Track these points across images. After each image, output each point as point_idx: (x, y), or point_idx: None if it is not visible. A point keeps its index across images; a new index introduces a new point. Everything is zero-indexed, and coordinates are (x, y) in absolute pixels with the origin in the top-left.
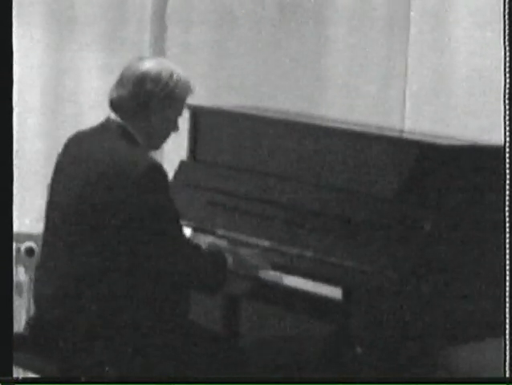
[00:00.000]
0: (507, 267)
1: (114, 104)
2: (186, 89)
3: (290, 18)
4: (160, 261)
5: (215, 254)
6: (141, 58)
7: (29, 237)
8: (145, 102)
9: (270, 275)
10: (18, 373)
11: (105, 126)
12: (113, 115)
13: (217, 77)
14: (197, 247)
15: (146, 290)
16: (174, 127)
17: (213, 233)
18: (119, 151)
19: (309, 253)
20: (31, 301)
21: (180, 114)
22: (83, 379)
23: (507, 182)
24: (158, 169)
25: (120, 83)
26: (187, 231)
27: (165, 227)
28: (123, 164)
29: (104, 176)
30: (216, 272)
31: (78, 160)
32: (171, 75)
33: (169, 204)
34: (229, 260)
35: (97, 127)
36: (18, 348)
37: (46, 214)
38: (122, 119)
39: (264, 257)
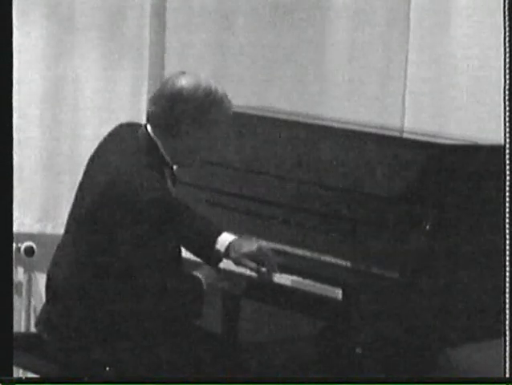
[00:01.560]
0: (507, 267)
1: (149, 118)
2: (223, 111)
3: (291, 18)
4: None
5: (192, 283)
6: (182, 74)
7: (29, 236)
8: (176, 121)
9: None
10: (18, 373)
11: (139, 134)
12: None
13: (217, 77)
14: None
15: (148, 292)
16: (208, 147)
17: None
18: (138, 169)
19: (309, 253)
20: (31, 300)
21: (216, 135)
22: (85, 379)
23: (507, 182)
24: (162, 203)
25: (156, 97)
26: (229, 237)
27: (156, 259)
28: (134, 185)
29: (115, 189)
30: (193, 301)
31: (103, 160)
32: (206, 95)
33: (167, 234)
34: (204, 286)
35: (134, 129)
36: (18, 348)
37: (72, 203)
38: (154, 133)
39: (238, 280)
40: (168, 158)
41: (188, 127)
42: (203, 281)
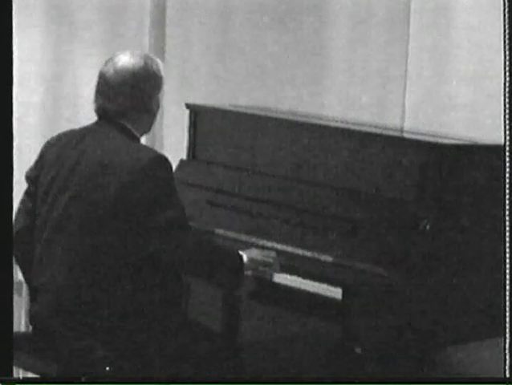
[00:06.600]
0: (507, 267)
1: (109, 113)
2: (160, 66)
3: (290, 19)
4: (167, 253)
5: (230, 250)
6: (113, 61)
7: None
8: (148, 100)
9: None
10: (18, 373)
11: (101, 124)
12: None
13: (217, 77)
14: (208, 240)
15: (149, 289)
16: (158, 109)
17: (213, 233)
18: (122, 146)
19: (309, 253)
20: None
21: (160, 96)
22: (83, 379)
23: (507, 181)
24: (163, 161)
25: (110, 92)
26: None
27: (172, 218)
28: (128, 158)
29: (111, 170)
30: (232, 268)
31: (76, 156)
32: (151, 62)
33: (175, 194)
34: (245, 258)
35: (90, 126)
36: (18, 348)
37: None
38: (119, 121)
39: (276, 259)
40: (136, 133)
41: (156, 98)
42: (243, 256)
